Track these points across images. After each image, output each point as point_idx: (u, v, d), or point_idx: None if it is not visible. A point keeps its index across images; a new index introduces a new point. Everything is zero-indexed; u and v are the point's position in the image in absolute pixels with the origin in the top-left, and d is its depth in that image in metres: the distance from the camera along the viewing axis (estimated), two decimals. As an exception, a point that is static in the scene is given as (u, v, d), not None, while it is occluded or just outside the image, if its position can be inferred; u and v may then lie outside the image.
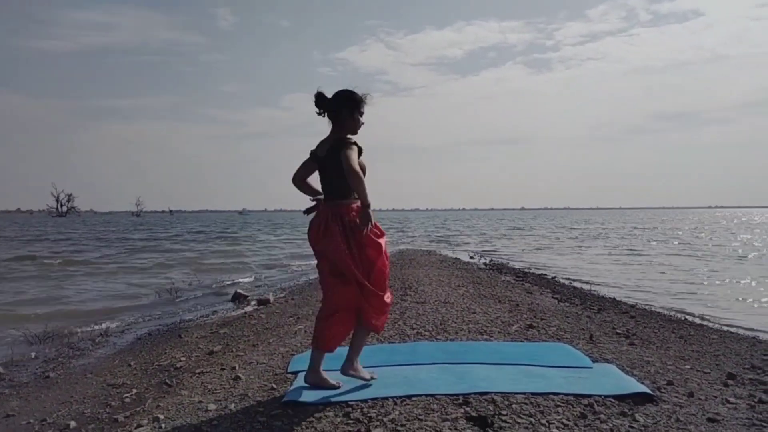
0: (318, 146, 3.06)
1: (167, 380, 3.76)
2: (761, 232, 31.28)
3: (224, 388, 3.37)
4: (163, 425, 2.83)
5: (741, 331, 5.49)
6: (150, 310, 7.56)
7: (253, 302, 7.65)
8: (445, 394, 2.91)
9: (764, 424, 2.62)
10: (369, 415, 2.69)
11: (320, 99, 3.02)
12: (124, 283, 10.35)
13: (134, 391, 3.61)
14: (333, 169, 2.94)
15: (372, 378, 3.15)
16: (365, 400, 2.89)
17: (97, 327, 6.25)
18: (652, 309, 6.78)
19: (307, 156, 3.09)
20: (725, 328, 5.62)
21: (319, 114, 3.05)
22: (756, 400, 2.97)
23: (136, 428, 2.84)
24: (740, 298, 8.22)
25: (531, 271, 11.34)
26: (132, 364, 4.44)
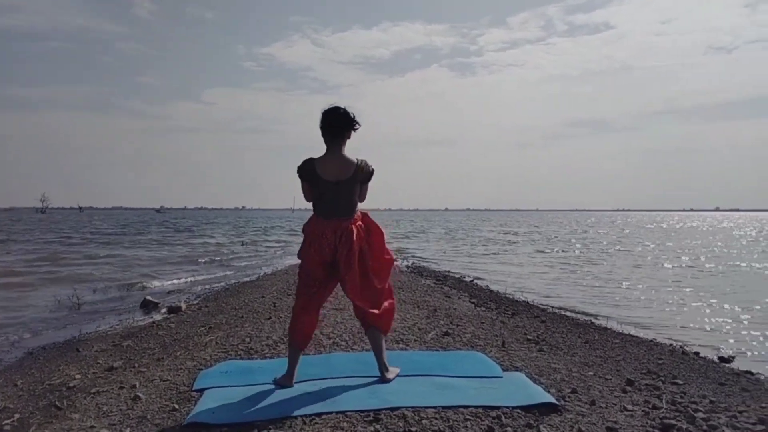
0: (318, 166, 3.11)
1: (57, 402, 3.44)
2: (664, 236, 33.78)
3: (121, 410, 3.13)
4: (46, 457, 2.58)
5: (641, 334, 5.84)
6: (46, 320, 6.94)
7: (163, 310, 7.25)
8: (356, 411, 2.84)
9: (656, 430, 2.75)
10: (275, 437, 2.58)
11: (347, 117, 3.12)
12: (15, 291, 9.42)
13: (17, 416, 3.27)
14: (349, 192, 3.14)
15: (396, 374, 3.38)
16: (272, 420, 2.78)
17: (-19, 342, 5.66)
18: (562, 313, 7.06)
19: (297, 177, 3.19)
20: (627, 331, 5.95)
21: (329, 130, 3.11)
22: (650, 406, 3.12)
23: (13, 462, 2.56)
24: (640, 300, 8.77)
25: (450, 274, 11.57)
26: (19, 383, 4.04)
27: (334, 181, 3.10)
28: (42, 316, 7.16)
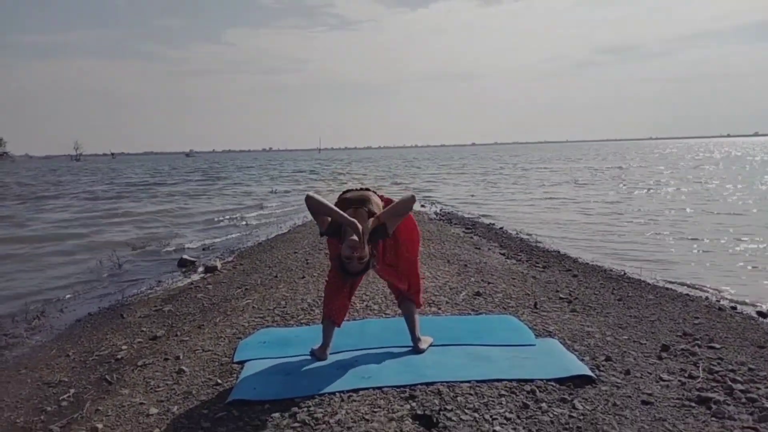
0: (339, 240, 3.05)
1: (107, 376, 3.63)
2: (709, 169, 32.74)
3: (167, 384, 3.29)
4: (101, 436, 2.74)
5: (676, 288, 5.74)
6: (91, 282, 7.23)
7: (200, 269, 7.46)
8: (392, 387, 2.92)
9: (693, 404, 2.75)
10: (315, 416, 2.68)
11: None
12: (58, 255, 9.75)
13: (72, 391, 3.47)
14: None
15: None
16: (312, 396, 2.87)
17: (32, 306, 5.94)
18: (595, 264, 7.00)
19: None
20: (661, 284, 5.87)
21: None
22: (686, 375, 3.11)
23: (72, 441, 2.74)
24: (678, 247, 8.62)
25: (480, 221, 11.51)
26: (70, 354, 4.26)
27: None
28: (85, 279, 7.45)
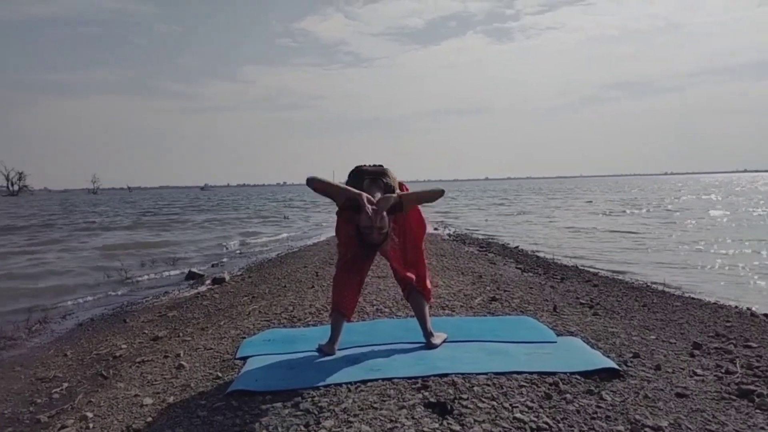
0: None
1: (103, 371, 3.46)
2: (717, 198, 32.27)
3: (165, 378, 3.10)
4: (90, 424, 2.56)
5: (703, 297, 5.48)
6: (96, 293, 7.12)
7: (207, 281, 7.31)
8: (403, 378, 2.70)
9: (733, 396, 2.51)
10: (320, 404, 2.47)
11: None
12: (69, 265, 9.74)
13: (65, 385, 3.30)
14: None
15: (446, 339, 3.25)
16: (317, 388, 2.67)
17: (34, 314, 5.81)
18: (615, 277, 6.74)
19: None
20: (687, 295, 5.60)
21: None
22: (723, 370, 2.87)
23: (59, 429, 2.55)
24: (698, 264, 8.32)
25: (494, 241, 11.29)
26: (68, 353, 4.10)
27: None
28: (91, 289, 7.34)
